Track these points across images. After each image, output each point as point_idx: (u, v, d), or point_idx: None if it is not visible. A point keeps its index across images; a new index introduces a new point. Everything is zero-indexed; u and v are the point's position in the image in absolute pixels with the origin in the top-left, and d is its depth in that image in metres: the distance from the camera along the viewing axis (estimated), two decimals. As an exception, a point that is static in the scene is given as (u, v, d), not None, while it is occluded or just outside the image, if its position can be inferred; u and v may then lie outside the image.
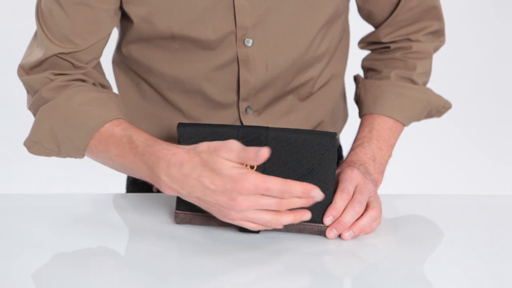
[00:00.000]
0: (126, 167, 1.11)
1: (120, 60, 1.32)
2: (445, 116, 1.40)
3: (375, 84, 1.33)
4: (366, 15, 1.36)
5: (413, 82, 1.32)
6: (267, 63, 1.24)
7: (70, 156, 1.19)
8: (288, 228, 1.08)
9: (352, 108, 1.44)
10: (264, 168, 1.07)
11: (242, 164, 1.00)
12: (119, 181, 1.58)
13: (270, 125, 1.22)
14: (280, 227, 1.01)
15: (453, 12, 1.47)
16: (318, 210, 1.07)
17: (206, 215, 1.09)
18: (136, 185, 1.45)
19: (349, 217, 1.07)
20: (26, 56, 1.21)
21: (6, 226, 1.15)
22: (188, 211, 1.10)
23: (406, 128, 1.34)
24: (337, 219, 1.07)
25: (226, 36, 1.21)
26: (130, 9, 1.20)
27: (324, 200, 1.07)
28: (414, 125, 1.38)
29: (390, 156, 1.28)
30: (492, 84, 3.20)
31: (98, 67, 1.25)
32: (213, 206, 1.01)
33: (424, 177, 3.14)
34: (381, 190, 1.22)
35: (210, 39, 1.21)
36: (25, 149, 1.19)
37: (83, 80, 1.19)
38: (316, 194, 0.98)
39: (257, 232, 1.09)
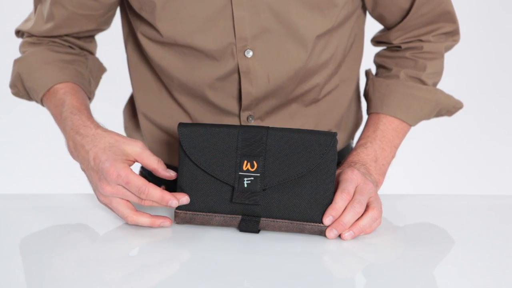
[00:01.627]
0: (57, 125, 1.24)
1: (136, 54, 1.34)
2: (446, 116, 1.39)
3: (383, 83, 1.33)
4: (377, 17, 1.34)
5: (422, 82, 1.31)
6: (269, 74, 1.25)
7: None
8: (288, 228, 1.08)
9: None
10: (265, 168, 1.07)
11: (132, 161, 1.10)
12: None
13: None
14: (136, 224, 1.09)
15: (461, 8, 1.45)
16: (318, 210, 1.07)
17: (206, 215, 1.10)
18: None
19: (349, 217, 1.07)
20: (24, 23, 1.36)
21: (6, 226, 1.15)
22: (189, 211, 1.10)
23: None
24: (337, 219, 1.07)
25: (227, 47, 1.22)
26: (143, 16, 1.24)
27: (324, 200, 1.07)
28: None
29: (393, 157, 1.28)
30: (494, 85, 3.20)
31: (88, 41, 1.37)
32: (91, 182, 1.12)
33: (425, 177, 3.14)
34: (383, 190, 1.22)
35: (211, 49, 1.22)
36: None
37: (58, 42, 1.33)
38: (173, 204, 1.07)
39: (257, 232, 1.09)
